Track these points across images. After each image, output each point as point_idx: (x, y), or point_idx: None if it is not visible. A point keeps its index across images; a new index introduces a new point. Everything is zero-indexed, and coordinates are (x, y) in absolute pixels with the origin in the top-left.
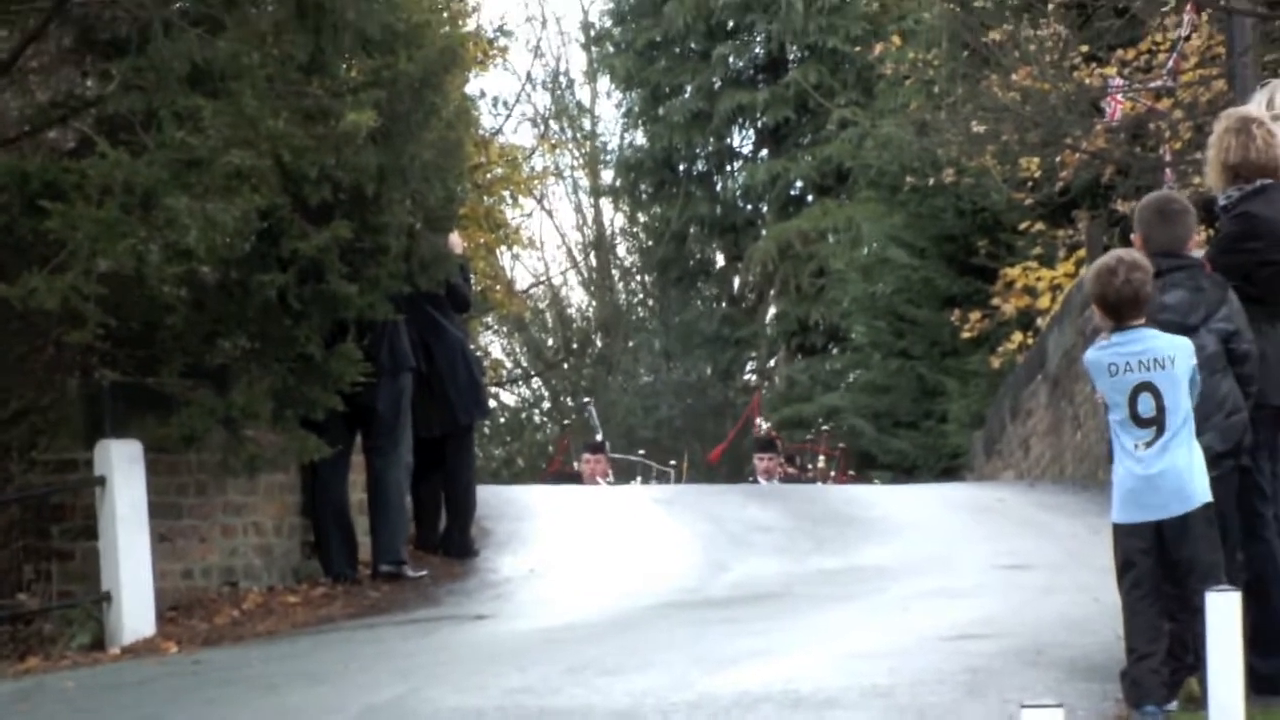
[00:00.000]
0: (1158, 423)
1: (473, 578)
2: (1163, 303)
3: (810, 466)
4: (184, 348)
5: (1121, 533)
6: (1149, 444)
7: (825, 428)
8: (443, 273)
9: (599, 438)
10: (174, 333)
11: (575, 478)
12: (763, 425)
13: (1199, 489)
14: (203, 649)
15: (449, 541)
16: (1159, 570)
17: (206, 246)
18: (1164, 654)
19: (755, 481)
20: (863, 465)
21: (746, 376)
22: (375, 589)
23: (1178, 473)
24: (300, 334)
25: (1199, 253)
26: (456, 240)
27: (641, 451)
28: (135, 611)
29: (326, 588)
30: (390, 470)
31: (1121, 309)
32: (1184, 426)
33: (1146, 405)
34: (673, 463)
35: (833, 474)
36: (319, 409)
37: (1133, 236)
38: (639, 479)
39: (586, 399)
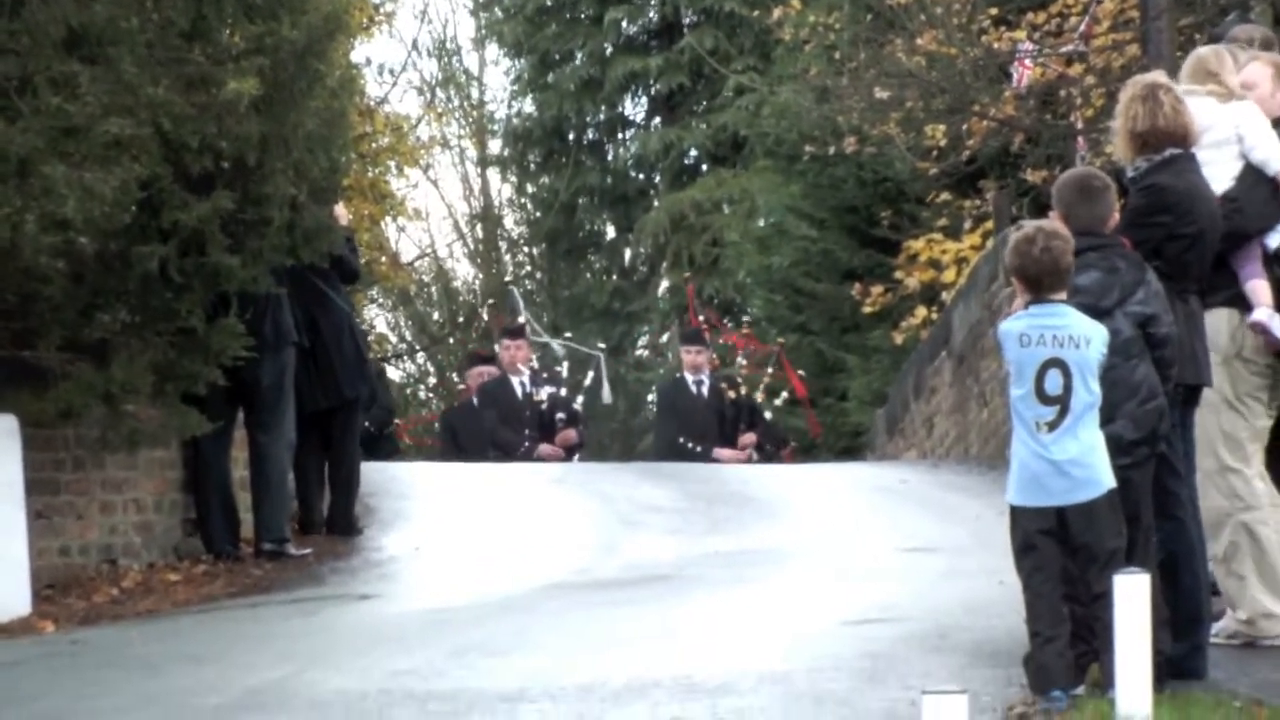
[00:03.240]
0: (1062, 402)
1: (357, 556)
2: (1075, 285)
3: (743, 361)
4: (61, 321)
5: (1022, 515)
6: (1051, 425)
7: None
8: (326, 245)
9: (521, 320)
10: (51, 305)
11: (491, 359)
12: (701, 319)
13: (1105, 475)
14: (80, 628)
15: (333, 519)
16: (1061, 552)
17: (84, 217)
18: (1068, 637)
19: (680, 377)
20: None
21: (639, 351)
22: (258, 567)
23: (1086, 458)
24: (181, 307)
25: None
26: (341, 212)
27: (568, 335)
28: (10, 590)
29: (208, 565)
30: (273, 446)
31: (1042, 280)
32: (1089, 411)
33: (1054, 383)
34: (601, 345)
35: (769, 370)
36: (200, 383)
37: (1051, 214)
38: (565, 364)
39: (509, 281)
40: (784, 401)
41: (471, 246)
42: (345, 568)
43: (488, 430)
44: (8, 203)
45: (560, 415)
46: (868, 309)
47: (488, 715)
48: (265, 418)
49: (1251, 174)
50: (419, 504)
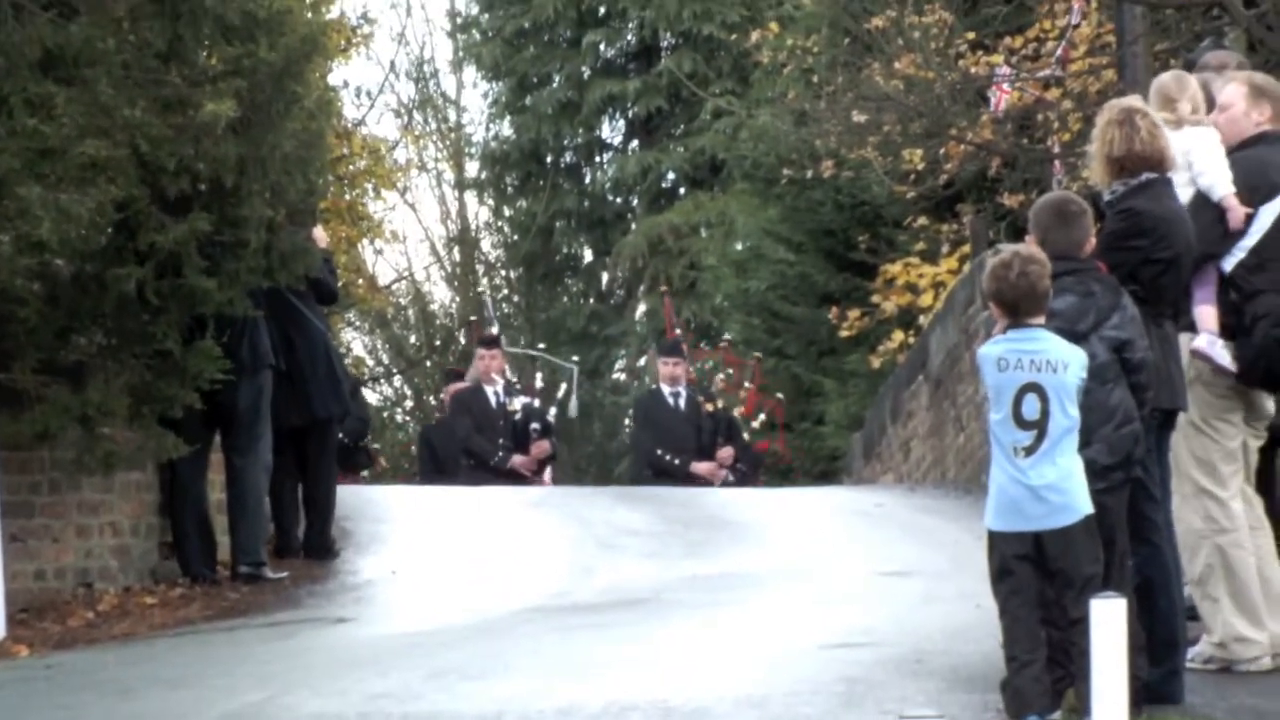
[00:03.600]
0: (1040, 427)
1: (333, 580)
2: (1051, 309)
3: (722, 376)
4: (37, 343)
5: (999, 540)
6: (1029, 450)
7: (726, 338)
8: (303, 267)
9: (494, 331)
10: (27, 327)
11: (460, 376)
12: (678, 331)
13: (1082, 501)
14: (55, 652)
15: (309, 542)
16: (1038, 577)
17: (60, 239)
18: (1045, 661)
19: (657, 389)
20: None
21: (615, 375)
22: (234, 590)
23: (1063, 483)
24: (158, 330)
25: None
26: (320, 234)
27: (541, 346)
28: None
29: (185, 589)
30: (249, 469)
31: (1019, 305)
32: (1066, 436)
33: (1031, 407)
34: (575, 358)
35: (746, 385)
36: (177, 406)
37: (1028, 239)
38: (539, 375)
39: (481, 289)
40: (761, 424)
41: (449, 270)
42: (322, 591)
43: (460, 438)
44: None
45: (535, 426)
46: (844, 333)
47: None
48: (242, 441)
49: (1199, 200)
50: (395, 527)
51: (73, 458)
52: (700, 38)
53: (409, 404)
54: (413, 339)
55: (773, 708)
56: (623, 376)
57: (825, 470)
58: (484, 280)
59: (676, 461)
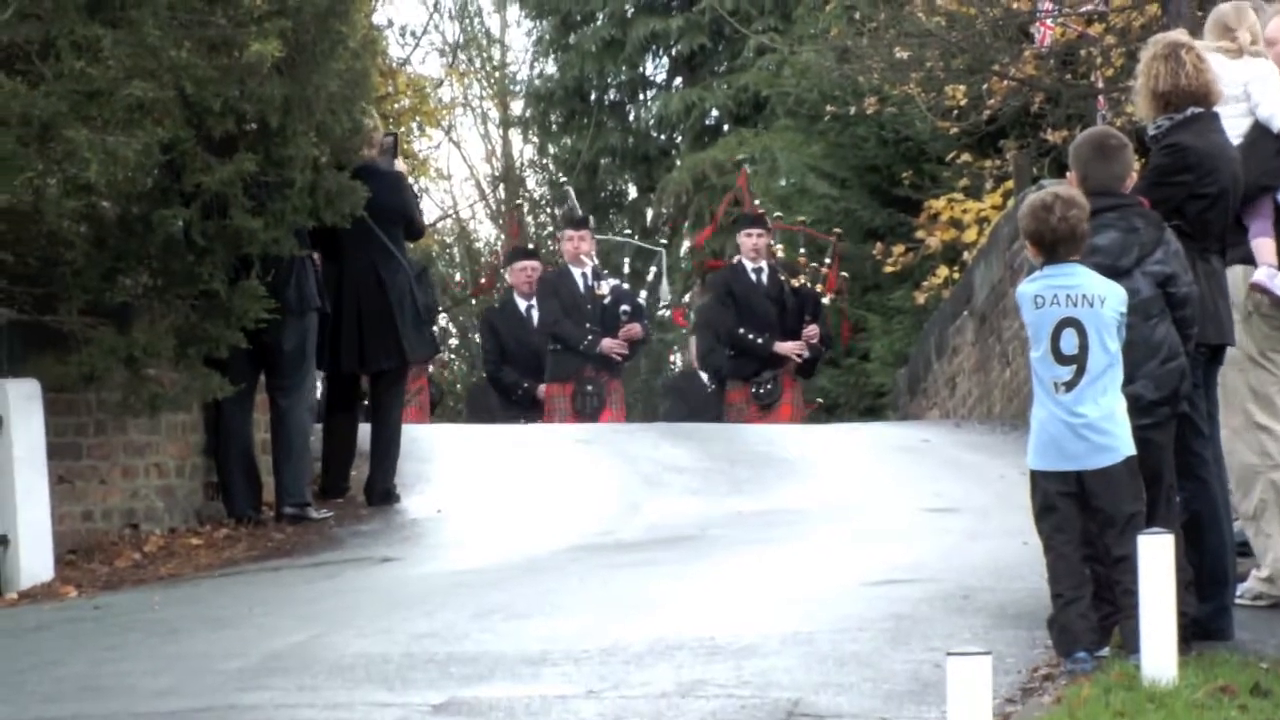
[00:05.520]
0: (1079, 362)
1: (378, 519)
2: (1093, 245)
3: (804, 252)
4: (84, 285)
5: (1040, 477)
6: (1069, 385)
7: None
8: (349, 207)
9: (580, 213)
10: (73, 269)
11: (533, 254)
12: (757, 202)
13: (1124, 441)
14: (103, 593)
15: (372, 488)
16: (1081, 514)
17: (107, 180)
18: (1091, 598)
19: (739, 264)
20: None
21: (661, 311)
22: (279, 530)
23: (1105, 423)
24: (204, 270)
25: None
26: (402, 166)
27: (628, 232)
28: (33, 555)
29: (230, 529)
30: (294, 410)
31: (1057, 247)
32: (1107, 372)
33: (1070, 342)
34: (663, 242)
35: (828, 262)
36: (222, 347)
37: (1069, 175)
38: (627, 260)
39: (564, 179)
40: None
41: (493, 208)
42: (367, 531)
43: (548, 323)
44: (30, 166)
45: (624, 308)
46: (889, 268)
47: (510, 678)
48: (287, 382)
49: (1257, 130)
50: (440, 466)
51: (119, 399)
52: None
53: (454, 342)
54: (458, 276)
55: (819, 644)
56: (668, 313)
57: (870, 406)
58: (529, 218)
59: (759, 341)
